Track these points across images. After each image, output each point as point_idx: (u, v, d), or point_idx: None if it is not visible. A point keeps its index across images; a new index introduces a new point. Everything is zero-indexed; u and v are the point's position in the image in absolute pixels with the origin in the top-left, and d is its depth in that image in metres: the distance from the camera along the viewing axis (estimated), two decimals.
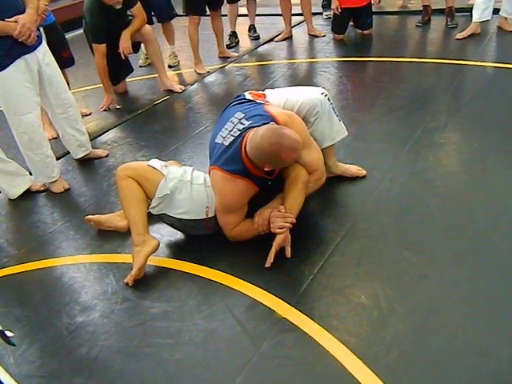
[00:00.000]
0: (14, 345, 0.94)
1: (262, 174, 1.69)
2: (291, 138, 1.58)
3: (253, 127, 1.66)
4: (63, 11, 4.41)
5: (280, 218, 1.68)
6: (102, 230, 2.04)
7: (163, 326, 1.54)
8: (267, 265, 1.68)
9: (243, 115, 1.73)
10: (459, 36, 3.58)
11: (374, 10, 4.09)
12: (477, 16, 3.52)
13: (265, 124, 1.65)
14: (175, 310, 1.60)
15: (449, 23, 3.86)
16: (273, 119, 1.70)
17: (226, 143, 1.69)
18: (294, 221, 1.70)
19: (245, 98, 1.85)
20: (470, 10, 3.66)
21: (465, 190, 1.97)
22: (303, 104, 1.87)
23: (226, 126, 1.73)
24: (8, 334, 0.91)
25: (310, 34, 4.21)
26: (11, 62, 2.12)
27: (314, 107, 1.87)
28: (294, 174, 1.72)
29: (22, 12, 2.10)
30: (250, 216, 1.77)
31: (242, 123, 1.70)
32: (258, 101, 1.84)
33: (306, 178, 1.74)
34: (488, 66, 3.08)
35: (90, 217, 2.05)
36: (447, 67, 3.19)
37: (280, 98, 1.91)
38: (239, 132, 1.68)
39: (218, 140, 1.73)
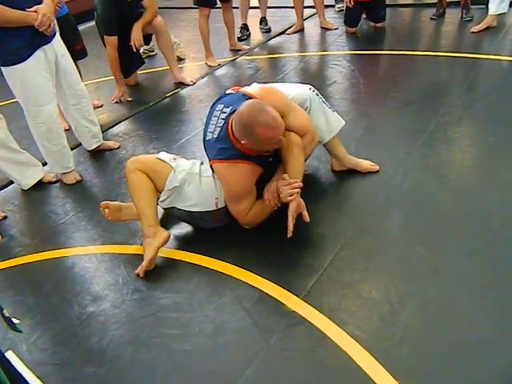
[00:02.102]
0: (20, 331, 0.95)
1: (257, 153, 1.70)
2: (271, 115, 1.60)
3: (235, 111, 1.69)
4: (76, 3, 4.42)
5: (286, 185, 1.68)
6: (114, 221, 1.99)
7: (173, 317, 1.55)
8: (289, 234, 1.67)
9: (223, 105, 1.76)
10: (475, 29, 3.50)
11: (387, 3, 4.03)
12: (493, 9, 3.44)
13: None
14: (185, 301, 1.61)
15: (464, 16, 3.78)
16: (250, 97, 1.73)
17: (216, 135, 1.73)
18: (301, 185, 1.71)
19: (225, 94, 1.87)
20: (485, 2, 3.57)
21: (479, 185, 1.94)
22: (293, 99, 1.88)
23: (211, 122, 1.77)
24: (15, 321, 0.92)
25: (322, 27, 4.17)
26: (32, 53, 2.14)
27: (303, 102, 1.89)
28: (287, 141, 1.72)
29: (41, 2, 2.11)
30: (260, 197, 1.78)
31: (223, 112, 1.74)
32: (235, 91, 1.85)
33: (298, 141, 1.75)
34: (504, 59, 3.02)
35: (108, 202, 1.93)
36: (462, 61, 3.13)
37: None
38: (224, 120, 1.72)
39: (209, 136, 1.77)
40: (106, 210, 1.93)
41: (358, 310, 1.48)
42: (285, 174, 1.72)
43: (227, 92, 1.88)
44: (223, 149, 1.71)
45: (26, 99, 2.24)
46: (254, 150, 1.69)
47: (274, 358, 1.37)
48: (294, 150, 1.74)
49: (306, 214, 1.71)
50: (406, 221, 1.81)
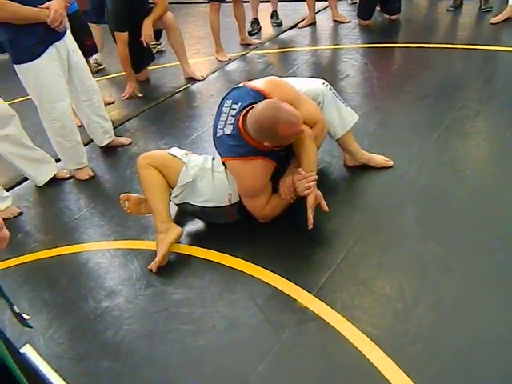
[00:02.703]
0: (31, 327, 0.96)
1: (270, 148, 1.69)
2: (288, 111, 1.59)
3: (245, 107, 1.69)
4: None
5: (302, 179, 1.68)
6: (129, 216, 2.00)
7: (186, 313, 1.56)
8: (310, 227, 1.67)
9: (231, 101, 1.75)
10: (494, 20, 3.42)
11: None
12: None
13: (255, 100, 1.67)
14: (198, 296, 1.62)
15: (482, 7, 3.69)
16: (258, 91, 1.72)
17: (227, 132, 1.72)
18: (316, 177, 1.71)
19: (233, 89, 1.86)
20: None
21: (495, 181, 1.90)
22: (306, 93, 1.87)
23: (221, 119, 1.76)
24: (25, 316, 0.93)
25: (334, 20, 4.12)
26: (45, 50, 2.16)
27: (316, 97, 1.88)
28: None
29: None
30: (275, 191, 1.78)
31: (233, 108, 1.73)
32: (243, 86, 1.83)
33: (310, 133, 1.75)
34: None
35: (129, 194, 1.91)
36: (480, 53, 3.06)
37: None
38: (234, 118, 1.71)
39: (219, 133, 1.76)
40: (126, 202, 1.93)
41: (371, 307, 1.47)
42: (300, 169, 1.71)
43: (235, 87, 1.87)
44: (235, 146, 1.71)
45: (39, 96, 2.26)
46: (275, 146, 1.68)
47: (286, 354, 1.37)
48: (305, 142, 1.73)
49: (324, 203, 1.71)
50: (421, 216, 1.79)
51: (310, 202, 1.68)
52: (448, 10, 3.86)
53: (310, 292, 1.54)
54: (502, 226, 1.67)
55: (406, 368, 1.26)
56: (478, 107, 2.44)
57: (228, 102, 1.77)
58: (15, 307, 0.89)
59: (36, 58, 2.15)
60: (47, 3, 2.09)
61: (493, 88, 2.67)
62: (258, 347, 1.40)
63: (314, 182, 1.68)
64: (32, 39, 2.11)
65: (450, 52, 3.18)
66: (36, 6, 2.07)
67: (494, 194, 1.83)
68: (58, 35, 2.20)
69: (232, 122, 1.71)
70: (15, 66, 2.21)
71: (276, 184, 1.78)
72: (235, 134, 1.70)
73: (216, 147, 1.83)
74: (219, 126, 1.77)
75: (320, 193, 1.71)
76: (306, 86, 1.89)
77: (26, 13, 2.05)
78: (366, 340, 1.36)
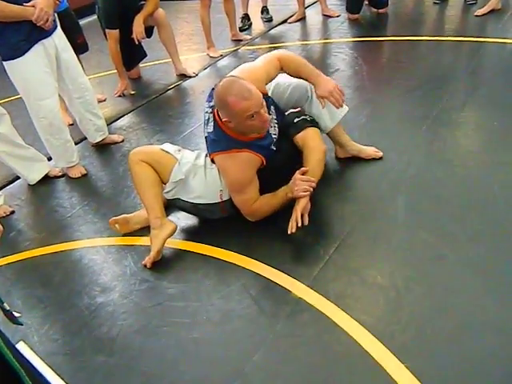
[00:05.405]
0: (21, 324, 0.96)
1: (251, 138, 1.70)
2: (243, 85, 1.60)
3: None
4: None
5: (305, 181, 1.70)
6: (122, 212, 1.99)
7: (181, 306, 1.57)
8: (293, 230, 1.65)
9: (212, 98, 1.76)
10: (479, 12, 3.45)
11: None
12: None
13: None
14: (192, 290, 1.63)
15: None
16: None
17: (210, 129, 1.74)
18: (315, 186, 1.72)
19: (212, 89, 1.85)
20: None
21: (483, 170, 1.93)
22: (293, 89, 1.88)
23: (205, 118, 1.79)
24: (16, 314, 0.93)
25: (323, 15, 4.13)
26: (30, 47, 2.15)
27: (304, 92, 1.90)
28: (312, 144, 1.79)
29: None
30: (266, 192, 1.79)
31: (212, 106, 1.74)
32: None
33: (324, 148, 1.82)
34: (509, 43, 2.98)
35: (115, 218, 1.92)
36: (466, 45, 3.09)
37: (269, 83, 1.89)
38: (213, 113, 1.73)
39: (205, 133, 1.78)
40: (117, 225, 1.93)
41: (363, 296, 1.49)
42: (306, 168, 1.74)
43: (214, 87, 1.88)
44: (218, 140, 1.72)
45: (26, 93, 2.25)
46: (241, 131, 1.68)
47: (280, 343, 1.39)
48: (320, 154, 1.80)
49: (306, 216, 1.69)
50: (411, 206, 1.81)
51: (301, 204, 1.68)
52: (434, 2, 3.88)
53: (303, 283, 1.55)
54: (490, 214, 1.70)
55: (399, 354, 1.28)
56: (465, 98, 2.47)
57: (209, 104, 1.78)
58: (5, 304, 0.89)
59: (22, 55, 2.14)
60: (33, 1, 2.08)
61: (479, 79, 2.70)
62: (253, 338, 1.42)
63: (312, 190, 1.70)
64: (17, 36, 2.11)
65: (437, 44, 3.21)
66: (21, 4, 2.06)
67: (482, 182, 1.86)
68: (44, 33, 2.19)
69: (212, 117, 1.73)
70: (4, 63, 2.20)
71: (265, 183, 1.77)
72: (216, 128, 1.72)
73: (206, 147, 1.84)
74: (205, 126, 1.79)
75: (309, 204, 1.70)
76: (294, 80, 1.89)
77: (11, 11, 2.04)
78: (360, 328, 1.37)
